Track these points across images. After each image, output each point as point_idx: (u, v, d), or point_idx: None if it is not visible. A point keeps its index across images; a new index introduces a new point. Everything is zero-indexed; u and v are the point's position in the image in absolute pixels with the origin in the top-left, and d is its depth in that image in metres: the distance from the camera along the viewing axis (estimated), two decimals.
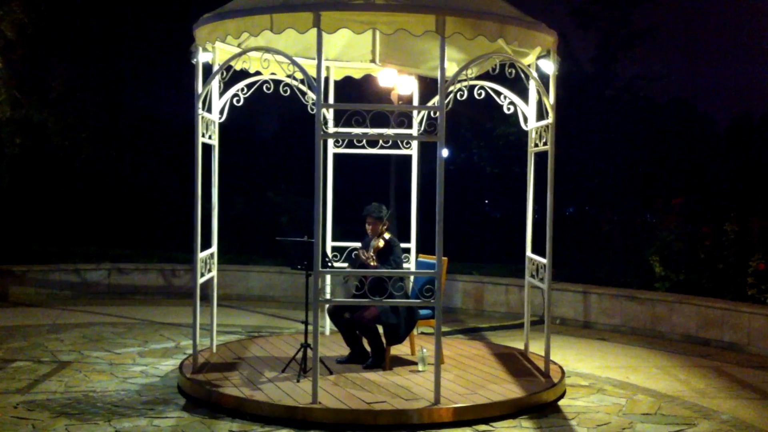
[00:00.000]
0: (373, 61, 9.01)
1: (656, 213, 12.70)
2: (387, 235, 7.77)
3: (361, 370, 7.57)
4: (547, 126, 7.54)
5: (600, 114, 18.50)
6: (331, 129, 8.78)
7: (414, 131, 9.28)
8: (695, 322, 10.12)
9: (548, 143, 7.52)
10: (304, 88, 8.22)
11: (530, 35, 6.95)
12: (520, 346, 8.72)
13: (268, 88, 7.94)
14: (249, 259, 14.75)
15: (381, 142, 9.06)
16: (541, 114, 7.74)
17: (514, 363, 8.12)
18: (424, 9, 6.35)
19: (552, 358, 7.78)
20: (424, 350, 7.69)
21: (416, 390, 6.91)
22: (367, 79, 9.58)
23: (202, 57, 7.36)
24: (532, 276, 8.15)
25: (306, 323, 7.41)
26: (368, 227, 7.82)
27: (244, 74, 8.10)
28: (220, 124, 8.03)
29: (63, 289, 13.18)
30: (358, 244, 8.12)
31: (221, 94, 7.99)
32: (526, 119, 8.08)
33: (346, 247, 8.83)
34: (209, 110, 7.69)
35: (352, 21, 6.37)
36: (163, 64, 19.08)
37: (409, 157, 9.45)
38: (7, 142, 13.83)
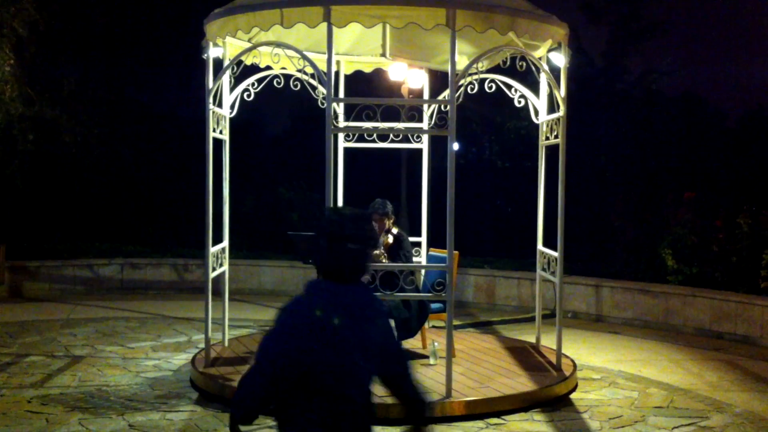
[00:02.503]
0: (383, 55, 8.99)
1: (668, 207, 12.65)
2: (395, 230, 7.74)
3: None
4: (558, 119, 7.51)
5: (610, 108, 18.45)
6: (342, 123, 8.77)
7: (424, 125, 9.26)
8: (708, 316, 10.08)
9: (559, 136, 7.49)
10: (314, 83, 8.21)
11: (541, 28, 6.93)
12: (532, 339, 8.71)
13: (279, 83, 7.96)
14: (261, 254, 14.77)
15: (392, 136, 9.04)
16: (552, 107, 7.71)
17: (526, 356, 8.11)
18: (434, 2, 6.34)
19: (564, 351, 7.76)
20: (436, 344, 7.69)
21: (428, 383, 6.92)
22: (378, 73, 9.56)
23: (212, 52, 7.38)
24: (544, 269, 8.13)
25: None
26: (374, 225, 7.77)
27: (254, 69, 8.10)
28: (231, 121, 8.04)
29: (76, 284, 13.24)
30: None
31: (232, 89, 8.00)
32: (537, 112, 8.05)
33: None
34: (220, 105, 7.70)
35: (363, 15, 6.37)
36: (172, 61, 19.13)
37: (419, 152, 9.43)
38: (20, 139, 13.89)
